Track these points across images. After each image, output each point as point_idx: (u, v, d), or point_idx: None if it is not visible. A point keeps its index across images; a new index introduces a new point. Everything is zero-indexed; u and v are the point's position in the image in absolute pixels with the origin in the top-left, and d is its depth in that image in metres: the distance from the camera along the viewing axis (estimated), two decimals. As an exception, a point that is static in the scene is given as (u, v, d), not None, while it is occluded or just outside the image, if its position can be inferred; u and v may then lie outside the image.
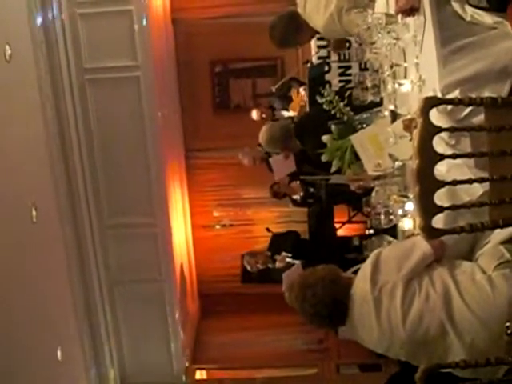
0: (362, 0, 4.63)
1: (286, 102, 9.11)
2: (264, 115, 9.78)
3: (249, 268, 8.72)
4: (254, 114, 9.91)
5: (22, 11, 7.38)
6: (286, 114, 9.33)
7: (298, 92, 8.69)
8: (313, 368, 10.23)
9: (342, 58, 8.29)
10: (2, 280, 6.36)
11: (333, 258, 7.57)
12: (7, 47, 6.75)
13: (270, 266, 8.40)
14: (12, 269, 6.58)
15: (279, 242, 8.56)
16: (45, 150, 7.83)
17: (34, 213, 7.23)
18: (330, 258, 7.58)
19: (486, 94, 3.30)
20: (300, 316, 3.63)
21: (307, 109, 7.75)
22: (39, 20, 7.75)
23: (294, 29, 5.34)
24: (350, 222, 9.11)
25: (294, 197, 8.73)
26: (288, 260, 8.12)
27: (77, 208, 8.63)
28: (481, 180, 3.01)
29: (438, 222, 3.06)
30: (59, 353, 7.74)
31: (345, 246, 7.63)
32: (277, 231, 9.25)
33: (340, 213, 8.64)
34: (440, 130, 2.97)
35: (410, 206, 4.24)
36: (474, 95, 3.09)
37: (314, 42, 8.42)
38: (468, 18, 3.54)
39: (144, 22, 8.38)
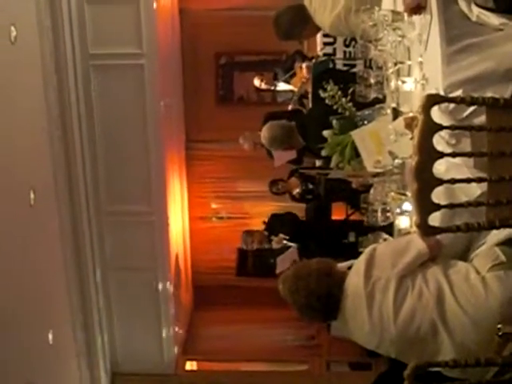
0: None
1: (290, 75, 9.09)
2: (265, 85, 9.78)
3: (245, 246, 8.72)
4: (256, 81, 9.91)
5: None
6: (285, 86, 9.32)
7: (300, 67, 8.66)
8: (303, 364, 10.26)
9: (347, 55, 8.30)
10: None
11: (330, 242, 7.59)
12: (12, 28, 6.73)
13: (266, 246, 8.41)
14: (7, 251, 6.57)
15: (277, 222, 8.55)
16: (45, 134, 7.82)
17: (31, 196, 7.23)
18: (327, 242, 7.61)
19: (489, 94, 3.29)
20: (293, 310, 3.63)
21: (308, 87, 7.75)
22: (46, 3, 7.72)
23: (300, 21, 5.33)
24: (347, 219, 9.10)
25: (293, 192, 8.75)
26: (285, 242, 8.12)
27: (75, 194, 8.62)
28: (479, 180, 3.01)
29: (435, 220, 3.06)
30: (50, 336, 7.74)
31: (342, 231, 7.63)
32: (275, 212, 9.22)
33: (338, 210, 8.62)
34: (441, 127, 2.97)
35: (407, 204, 4.24)
36: (476, 95, 3.09)
37: (319, 39, 8.43)
38: (474, 18, 3.53)
39: (151, 10, 8.35)
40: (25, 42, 7.07)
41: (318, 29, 5.49)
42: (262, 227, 8.82)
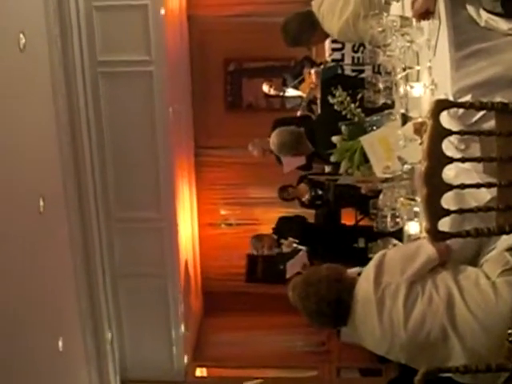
0: (378, 5, 4.62)
1: (298, 81, 9.10)
2: (274, 91, 9.79)
3: (255, 252, 8.72)
4: (265, 87, 9.91)
5: (37, 0, 7.39)
6: (294, 92, 9.32)
7: (309, 73, 8.67)
8: (313, 370, 10.23)
9: (355, 61, 8.31)
10: (6, 269, 6.37)
11: (339, 248, 7.58)
12: (21, 36, 6.75)
13: (276, 250, 8.42)
14: (17, 258, 6.58)
15: (285, 225, 8.55)
16: (55, 141, 7.84)
17: (41, 203, 7.24)
18: (336, 247, 7.60)
19: (498, 99, 3.28)
20: (303, 317, 3.63)
21: (317, 93, 7.75)
22: (54, 10, 7.74)
23: (309, 28, 5.34)
24: (356, 225, 9.09)
25: (303, 199, 8.74)
26: (295, 245, 8.12)
27: (84, 200, 8.63)
28: (489, 185, 3.00)
29: (444, 225, 3.05)
30: (60, 343, 7.75)
31: (351, 237, 7.63)
32: (283, 215, 9.22)
33: (347, 216, 8.61)
34: (450, 132, 2.96)
35: (417, 209, 4.24)
36: (485, 100, 3.09)
37: (328, 45, 8.44)
38: (482, 24, 3.52)
39: (159, 17, 8.36)
40: (34, 50, 7.09)
41: (327, 35, 5.51)
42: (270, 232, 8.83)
